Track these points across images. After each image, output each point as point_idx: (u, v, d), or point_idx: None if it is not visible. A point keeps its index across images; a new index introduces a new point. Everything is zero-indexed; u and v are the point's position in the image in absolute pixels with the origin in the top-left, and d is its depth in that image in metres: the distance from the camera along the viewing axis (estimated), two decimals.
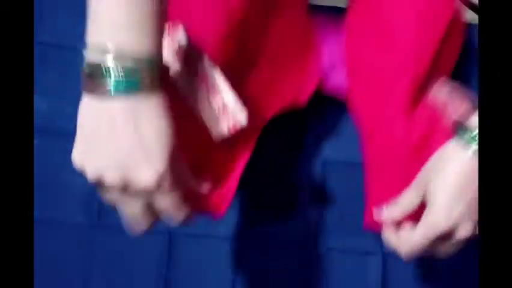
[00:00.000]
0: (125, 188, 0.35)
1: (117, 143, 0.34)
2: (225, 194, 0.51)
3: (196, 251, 0.63)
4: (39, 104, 0.64)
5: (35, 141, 0.63)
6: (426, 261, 0.63)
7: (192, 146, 0.43)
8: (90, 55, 0.34)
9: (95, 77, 0.34)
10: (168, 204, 0.38)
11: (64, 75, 0.64)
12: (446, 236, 0.42)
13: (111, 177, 0.35)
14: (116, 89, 0.33)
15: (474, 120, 0.42)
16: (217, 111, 0.46)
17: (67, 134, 0.63)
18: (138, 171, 0.34)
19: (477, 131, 0.41)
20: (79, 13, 0.65)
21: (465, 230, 0.42)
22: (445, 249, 0.44)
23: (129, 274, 0.62)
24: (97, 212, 0.63)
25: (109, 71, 0.33)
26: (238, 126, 0.47)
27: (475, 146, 0.41)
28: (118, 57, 0.33)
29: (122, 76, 0.33)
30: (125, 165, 0.34)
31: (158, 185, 0.35)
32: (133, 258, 0.63)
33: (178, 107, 0.40)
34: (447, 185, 0.42)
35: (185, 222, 0.41)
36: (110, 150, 0.35)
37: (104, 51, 0.33)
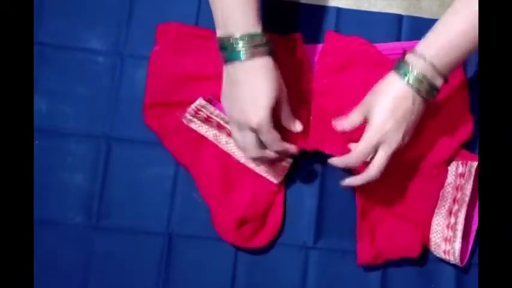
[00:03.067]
0: (241, 126, 0.53)
1: (236, 95, 0.53)
2: (271, 228, 0.63)
3: (196, 252, 0.63)
4: (39, 104, 0.63)
5: (35, 141, 0.63)
6: (426, 261, 0.63)
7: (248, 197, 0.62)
8: (218, 37, 0.53)
9: (223, 51, 0.52)
10: (269, 140, 0.54)
11: (64, 75, 0.64)
12: (381, 146, 0.54)
13: (235, 117, 0.54)
14: (232, 58, 0.52)
15: (411, 58, 0.53)
16: (266, 166, 0.61)
17: (67, 134, 0.64)
18: (249, 116, 0.52)
19: (412, 66, 0.53)
20: (78, 13, 0.65)
21: (395, 141, 0.54)
22: (386, 157, 0.55)
23: (128, 275, 0.62)
24: (97, 212, 0.63)
25: (229, 47, 0.52)
26: (286, 170, 0.62)
27: (408, 78, 0.53)
28: (233, 39, 0.51)
29: (235, 49, 0.51)
30: (241, 110, 0.53)
31: (260, 126, 0.52)
32: (133, 259, 0.62)
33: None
34: (382, 107, 0.54)
35: (283, 155, 0.58)
36: (234, 99, 0.53)
37: (227, 36, 0.52)
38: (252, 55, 0.51)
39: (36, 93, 0.63)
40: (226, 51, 0.52)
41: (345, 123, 0.57)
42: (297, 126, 0.58)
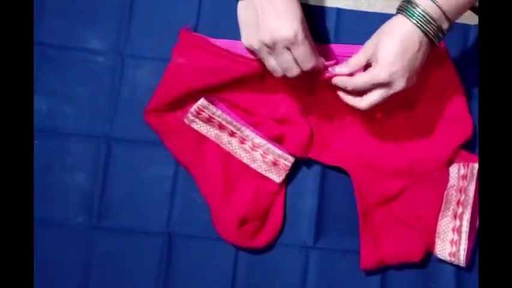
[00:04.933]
0: (275, 46, 0.52)
1: (262, 21, 0.52)
2: (272, 228, 0.63)
3: (196, 252, 0.63)
4: (39, 104, 0.64)
5: (35, 141, 0.63)
6: (426, 261, 0.63)
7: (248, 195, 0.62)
8: None
9: None
10: (301, 54, 0.53)
11: (64, 75, 0.64)
12: (383, 85, 0.53)
13: (267, 40, 0.52)
14: None
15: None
16: (269, 165, 0.62)
17: (67, 134, 0.64)
18: (279, 31, 0.52)
19: (418, 6, 0.51)
20: (78, 13, 0.65)
21: (399, 84, 0.53)
22: (382, 97, 0.54)
23: (129, 275, 0.62)
24: (97, 212, 0.63)
25: None
26: (288, 169, 0.62)
27: (416, 19, 0.52)
28: None
29: None
30: (271, 30, 0.52)
31: (296, 37, 0.52)
32: (133, 259, 0.62)
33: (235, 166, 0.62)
34: (390, 47, 0.52)
35: (313, 70, 0.55)
36: (260, 27, 0.52)
37: None
38: None
39: (37, 93, 0.63)
40: None
41: (343, 68, 0.56)
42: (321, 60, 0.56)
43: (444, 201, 0.62)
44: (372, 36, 0.55)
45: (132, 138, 0.64)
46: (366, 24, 0.65)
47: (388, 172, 0.62)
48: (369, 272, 0.63)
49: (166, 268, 0.62)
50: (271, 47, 0.53)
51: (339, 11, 0.66)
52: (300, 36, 0.52)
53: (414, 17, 0.52)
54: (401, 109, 0.63)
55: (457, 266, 0.62)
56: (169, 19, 0.64)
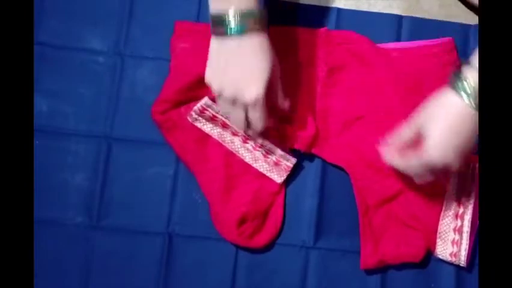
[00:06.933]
0: (234, 101, 0.51)
1: (231, 69, 0.50)
2: (271, 228, 0.63)
3: (196, 252, 0.63)
4: (39, 104, 0.64)
5: (35, 141, 0.63)
6: (426, 261, 0.63)
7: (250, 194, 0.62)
8: (214, 11, 0.50)
9: (219, 25, 0.50)
10: (256, 117, 0.53)
11: (64, 75, 0.64)
12: (435, 167, 0.52)
13: (227, 92, 0.51)
14: (231, 32, 0.49)
15: (467, 71, 0.50)
16: (270, 165, 0.62)
17: (67, 134, 0.64)
18: (244, 90, 0.50)
19: (469, 80, 0.49)
20: (79, 13, 0.65)
21: (453, 166, 0.52)
22: (432, 175, 0.54)
23: (128, 275, 0.62)
24: (97, 212, 0.63)
25: (227, 22, 0.49)
26: (289, 170, 0.62)
27: (465, 93, 0.50)
28: (234, 13, 0.49)
29: (235, 23, 0.49)
30: (236, 85, 0.50)
31: (256, 101, 0.51)
32: (133, 259, 0.62)
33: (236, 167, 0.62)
34: (441, 126, 0.51)
35: (256, 134, 0.57)
36: (227, 74, 0.51)
37: (226, 10, 0.49)
38: (250, 31, 0.49)
39: (37, 93, 0.63)
40: (222, 26, 0.50)
41: (396, 141, 0.57)
42: (286, 104, 0.56)
43: (445, 201, 0.62)
44: (423, 110, 0.54)
45: (132, 138, 0.64)
46: (366, 24, 0.66)
47: (388, 172, 0.62)
48: (369, 272, 0.63)
49: (166, 268, 0.62)
50: (230, 102, 0.52)
51: (339, 11, 0.66)
52: (261, 101, 0.51)
53: (466, 95, 0.50)
54: (402, 110, 0.63)
55: (457, 266, 0.62)
56: (169, 19, 0.65)
